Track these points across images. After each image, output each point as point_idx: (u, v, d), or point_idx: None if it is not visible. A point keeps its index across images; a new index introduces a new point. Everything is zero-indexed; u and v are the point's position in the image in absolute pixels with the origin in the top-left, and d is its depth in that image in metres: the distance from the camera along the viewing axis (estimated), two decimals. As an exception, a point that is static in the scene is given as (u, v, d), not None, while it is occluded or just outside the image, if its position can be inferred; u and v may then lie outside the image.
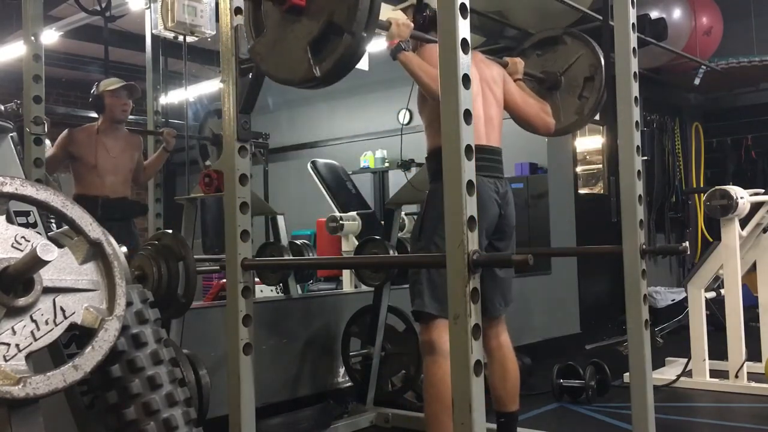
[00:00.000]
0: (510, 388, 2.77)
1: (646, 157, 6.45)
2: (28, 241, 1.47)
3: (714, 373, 4.27)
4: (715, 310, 4.42)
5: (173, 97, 5.73)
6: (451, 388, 2.37)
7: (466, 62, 1.71)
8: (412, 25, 2.46)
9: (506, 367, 2.77)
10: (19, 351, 1.40)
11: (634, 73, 2.52)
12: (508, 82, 2.83)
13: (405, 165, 6.61)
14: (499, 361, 2.76)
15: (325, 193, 6.27)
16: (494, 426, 2.72)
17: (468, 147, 1.69)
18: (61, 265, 1.50)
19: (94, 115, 4.36)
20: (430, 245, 2.51)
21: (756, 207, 4.36)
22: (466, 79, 1.71)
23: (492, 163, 2.64)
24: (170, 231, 2.61)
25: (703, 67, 6.61)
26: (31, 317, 1.43)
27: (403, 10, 2.76)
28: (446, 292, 2.39)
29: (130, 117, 4.36)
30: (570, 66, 3.12)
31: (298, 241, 4.19)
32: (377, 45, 5.70)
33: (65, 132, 4.15)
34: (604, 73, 3.06)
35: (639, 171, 2.51)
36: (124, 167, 4.16)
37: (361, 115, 8.24)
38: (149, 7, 4.33)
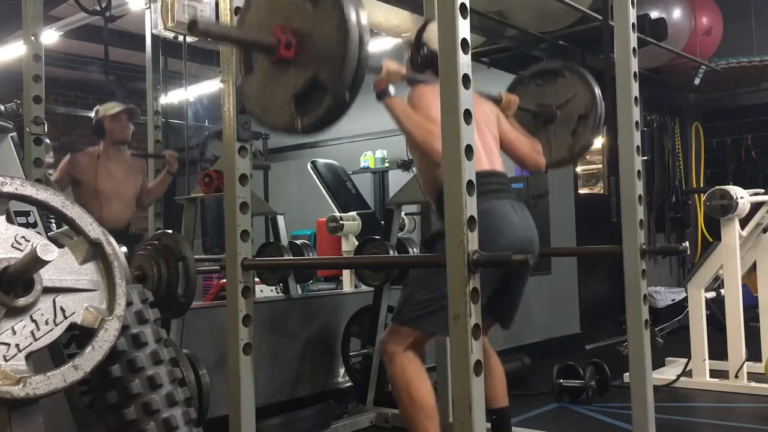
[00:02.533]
0: (497, 385, 2.79)
1: (646, 157, 6.44)
2: (28, 241, 1.47)
3: (714, 373, 4.27)
4: (715, 310, 4.42)
5: (173, 97, 5.73)
6: (421, 388, 2.41)
7: (466, 62, 1.71)
8: (403, 71, 2.45)
9: (490, 364, 2.79)
10: (19, 351, 1.40)
11: (634, 73, 2.52)
12: (502, 119, 2.83)
13: (405, 165, 6.61)
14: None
15: (325, 193, 6.28)
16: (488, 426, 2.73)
17: (468, 147, 1.70)
18: (61, 265, 1.50)
19: (94, 115, 4.36)
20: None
21: (756, 207, 4.36)
22: (466, 80, 1.71)
23: (503, 186, 2.59)
24: (170, 231, 2.61)
25: (703, 67, 6.61)
26: (31, 317, 1.43)
27: (403, 44, 2.80)
28: (427, 310, 2.40)
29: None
30: (567, 101, 3.12)
31: (298, 241, 4.19)
32: (378, 45, 5.71)
33: (67, 157, 4.15)
34: (600, 111, 3.06)
35: (639, 171, 2.51)
36: (127, 192, 4.14)
37: (361, 115, 8.19)
38: (149, 7, 4.32)
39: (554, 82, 3.15)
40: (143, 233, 4.33)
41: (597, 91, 3.06)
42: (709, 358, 4.27)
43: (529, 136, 2.90)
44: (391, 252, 3.43)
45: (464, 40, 1.71)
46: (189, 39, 4.07)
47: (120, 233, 4.11)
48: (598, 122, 3.08)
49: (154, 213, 4.28)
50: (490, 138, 2.67)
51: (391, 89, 2.39)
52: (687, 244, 2.93)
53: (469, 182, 1.69)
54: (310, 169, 6.38)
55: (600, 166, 6.94)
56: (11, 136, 2.26)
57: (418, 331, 2.46)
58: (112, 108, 4.12)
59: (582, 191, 6.61)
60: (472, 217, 1.69)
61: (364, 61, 1.77)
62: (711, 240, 5.99)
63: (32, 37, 3.15)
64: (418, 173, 2.72)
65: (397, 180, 7.40)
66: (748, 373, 4.13)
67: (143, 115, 4.35)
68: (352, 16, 1.72)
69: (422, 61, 2.67)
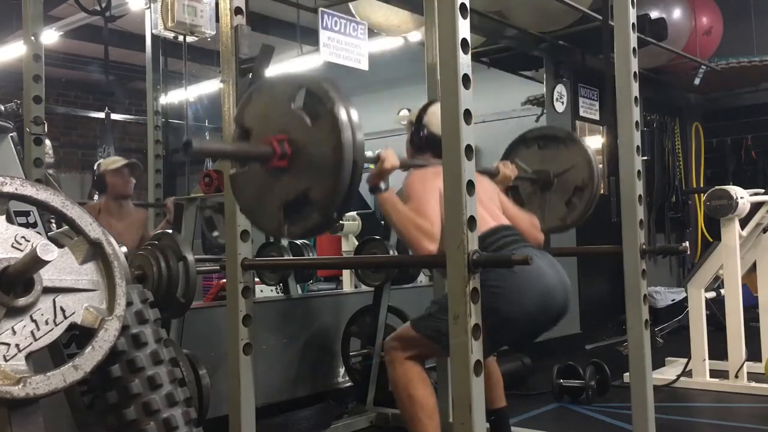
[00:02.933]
0: (494, 386, 2.81)
1: (646, 157, 6.44)
2: (28, 241, 1.47)
3: (714, 373, 4.27)
4: (715, 310, 4.42)
5: (173, 97, 5.73)
6: (421, 388, 2.41)
7: (466, 62, 1.71)
8: (397, 165, 2.44)
9: (487, 366, 2.79)
10: (19, 351, 1.40)
11: (634, 73, 2.52)
12: (501, 196, 2.83)
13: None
14: None
15: (325, 193, 6.26)
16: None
17: (468, 147, 1.70)
18: (61, 265, 1.50)
19: (93, 114, 4.36)
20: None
21: (756, 207, 4.36)
22: (466, 79, 1.71)
23: (516, 236, 2.56)
24: (170, 231, 2.61)
25: (703, 67, 6.61)
26: (31, 317, 1.43)
27: (404, 124, 2.82)
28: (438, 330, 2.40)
29: (130, 118, 4.35)
30: (565, 171, 3.15)
31: (298, 241, 4.19)
32: (378, 45, 5.71)
33: None
34: (596, 187, 3.10)
35: (639, 171, 2.51)
36: (127, 243, 4.12)
37: (361, 115, 8.21)
38: (149, 7, 4.33)
39: (555, 148, 3.19)
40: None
41: (595, 166, 3.11)
42: (709, 358, 4.27)
43: (527, 212, 2.90)
44: (391, 252, 3.43)
45: (464, 40, 1.71)
46: (189, 39, 4.07)
47: None
48: (594, 197, 3.13)
49: (154, 213, 4.28)
50: (494, 208, 2.66)
51: (383, 185, 2.40)
52: (687, 244, 2.94)
53: (469, 182, 1.69)
54: (310, 169, 6.37)
55: (600, 166, 6.93)
56: (11, 136, 2.26)
57: (427, 347, 2.47)
58: (114, 162, 4.12)
59: (582, 191, 6.60)
60: (472, 217, 1.69)
61: (356, 185, 1.79)
62: (711, 240, 5.98)
63: (32, 37, 3.16)
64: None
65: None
66: (748, 373, 4.13)
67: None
68: (349, 140, 1.72)
69: (422, 143, 2.72)
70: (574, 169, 3.12)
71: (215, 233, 3.80)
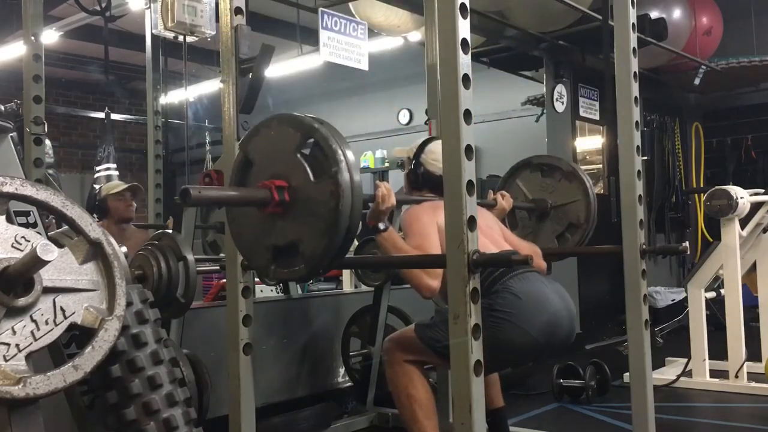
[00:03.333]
0: (491, 385, 2.81)
1: (646, 157, 6.44)
2: (28, 241, 1.47)
3: (714, 373, 4.27)
4: (715, 310, 4.42)
5: (173, 97, 5.73)
6: (420, 388, 2.41)
7: (466, 62, 1.71)
8: (394, 204, 2.45)
9: None
10: (19, 351, 1.40)
11: (634, 73, 2.52)
12: (501, 226, 2.84)
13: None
14: None
15: (325, 193, 6.26)
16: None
17: (468, 147, 1.70)
18: (61, 265, 1.50)
19: (93, 114, 4.36)
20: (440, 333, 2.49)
21: (756, 207, 4.36)
22: (466, 79, 1.71)
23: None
24: (170, 231, 2.61)
25: (703, 67, 6.61)
26: (31, 317, 1.43)
27: (402, 156, 2.87)
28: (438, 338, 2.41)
29: (130, 118, 4.35)
30: (563, 205, 3.17)
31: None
32: (378, 45, 5.71)
33: None
34: (590, 227, 3.13)
35: (639, 171, 2.51)
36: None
37: (361, 115, 8.24)
38: (149, 7, 4.33)
39: (558, 179, 3.21)
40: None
41: (593, 209, 3.13)
42: (709, 358, 4.27)
43: (527, 242, 2.90)
44: (391, 252, 3.43)
45: (464, 40, 1.71)
46: (189, 39, 4.06)
47: None
48: (586, 236, 3.16)
49: (154, 213, 4.28)
50: (495, 236, 2.66)
51: (382, 225, 2.41)
52: (687, 244, 2.94)
53: (469, 182, 1.69)
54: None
55: (600, 166, 6.93)
56: (11, 136, 2.26)
57: (426, 355, 2.48)
58: (116, 186, 4.12)
59: (582, 191, 6.59)
60: (472, 217, 1.69)
61: (347, 249, 1.79)
62: (711, 240, 5.98)
63: (32, 37, 3.15)
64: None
65: (397, 180, 7.40)
66: (748, 373, 4.13)
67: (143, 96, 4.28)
68: (346, 208, 1.70)
69: (419, 180, 2.75)
70: (573, 204, 3.16)
71: (222, 255, 3.80)
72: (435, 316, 2.52)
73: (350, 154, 1.73)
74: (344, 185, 1.69)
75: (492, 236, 2.61)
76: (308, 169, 1.76)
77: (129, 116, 8.75)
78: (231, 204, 1.98)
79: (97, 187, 4.14)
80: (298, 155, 1.77)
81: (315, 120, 1.78)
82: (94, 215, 4.14)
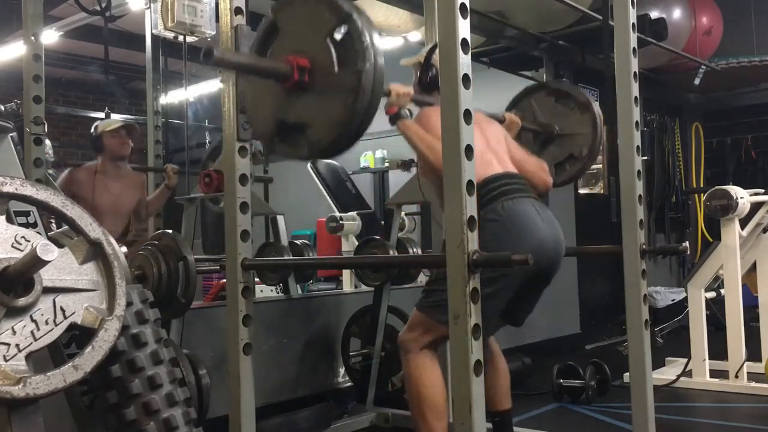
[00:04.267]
0: (502, 386, 2.80)
1: (646, 157, 6.44)
2: (28, 241, 1.47)
3: (714, 373, 4.27)
4: (715, 310, 4.42)
5: (173, 97, 5.73)
6: (433, 387, 2.40)
7: (466, 62, 1.71)
8: (412, 93, 2.45)
9: (496, 365, 2.79)
10: (19, 351, 1.40)
11: (634, 73, 2.52)
12: (509, 139, 2.83)
13: (405, 165, 6.61)
14: (489, 360, 2.77)
15: (325, 193, 6.27)
16: (489, 426, 2.73)
17: (468, 147, 1.70)
18: (61, 265, 1.50)
19: (94, 114, 4.37)
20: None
21: (756, 207, 4.36)
22: (466, 79, 1.71)
23: (521, 185, 2.57)
24: (170, 231, 2.61)
25: (703, 67, 6.61)
26: (31, 317, 1.43)
27: (411, 65, 2.81)
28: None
29: (130, 118, 4.35)
30: (569, 134, 3.13)
31: (298, 241, 4.19)
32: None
33: (66, 172, 4.15)
34: (590, 162, 3.12)
35: (639, 171, 2.51)
36: (121, 207, 4.11)
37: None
38: (149, 7, 4.33)
39: (572, 108, 3.16)
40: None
41: (599, 144, 3.09)
42: (709, 358, 4.27)
43: (536, 157, 2.90)
44: (391, 252, 3.43)
45: (464, 40, 1.71)
46: (189, 39, 4.06)
47: None
48: (583, 170, 3.15)
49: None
50: (502, 153, 2.67)
51: (404, 112, 2.40)
52: (687, 244, 2.94)
53: (469, 182, 1.69)
54: (310, 169, 6.38)
55: (600, 166, 6.93)
56: (11, 136, 2.26)
57: (434, 328, 2.45)
58: (112, 124, 4.12)
59: (582, 191, 6.60)
60: (472, 217, 1.69)
61: (351, 144, 1.80)
62: (711, 240, 5.98)
63: (32, 37, 3.15)
64: (435, 198, 2.72)
65: (397, 180, 7.40)
66: (748, 373, 4.13)
67: (143, 134, 4.33)
68: (362, 108, 1.69)
69: (430, 83, 2.68)
70: (579, 137, 3.11)
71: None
72: (426, 286, 2.55)
73: (380, 52, 1.70)
74: (366, 83, 1.67)
75: (499, 154, 2.61)
76: (334, 57, 1.73)
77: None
78: (250, 72, 1.98)
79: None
80: (328, 40, 1.74)
81: (354, 8, 1.73)
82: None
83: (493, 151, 2.59)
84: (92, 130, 4.17)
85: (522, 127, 3.04)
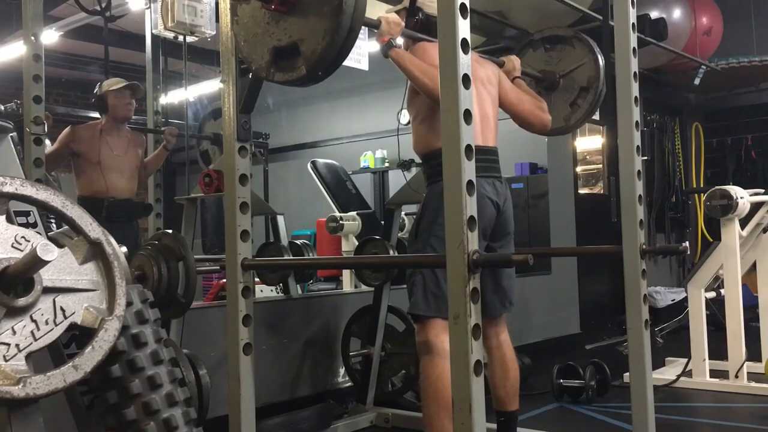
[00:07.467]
0: (510, 388, 2.77)
1: (646, 157, 6.45)
2: (28, 241, 1.47)
3: (714, 373, 4.27)
4: (715, 310, 4.42)
5: (173, 97, 5.73)
6: (448, 387, 2.39)
7: (466, 62, 1.71)
8: (403, 23, 2.44)
9: (506, 366, 2.77)
10: (19, 351, 1.40)
11: (634, 73, 2.52)
12: (504, 80, 2.82)
13: (405, 165, 6.61)
14: (498, 360, 2.76)
15: (325, 193, 6.27)
16: (494, 426, 2.72)
17: (468, 147, 1.70)
18: (61, 265, 1.50)
19: (94, 114, 4.36)
20: (426, 247, 2.50)
21: (756, 207, 4.36)
22: (466, 79, 1.71)
23: (488, 163, 2.60)
24: (170, 231, 2.61)
25: (703, 67, 6.61)
26: (31, 317, 1.43)
27: (396, 12, 2.73)
28: (437, 293, 2.42)
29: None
30: (571, 71, 3.12)
31: (298, 241, 4.19)
32: (377, 45, 5.70)
33: (68, 129, 4.16)
34: (601, 86, 3.07)
35: (639, 171, 2.51)
36: (128, 165, 4.18)
37: (361, 115, 8.24)
38: (149, 7, 4.32)
39: (562, 49, 3.16)
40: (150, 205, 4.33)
41: (602, 66, 3.06)
42: (709, 358, 4.27)
43: (534, 95, 2.88)
44: (391, 252, 3.43)
45: (464, 41, 1.71)
46: (189, 39, 4.06)
47: (131, 204, 4.15)
48: (598, 98, 3.10)
49: (154, 213, 4.28)
50: (488, 101, 2.66)
51: (397, 41, 2.38)
52: (687, 244, 2.93)
53: (469, 182, 1.69)
54: (310, 169, 6.38)
55: (600, 166, 6.94)
56: (11, 136, 2.26)
57: (433, 321, 2.45)
58: (116, 83, 4.13)
59: (582, 191, 6.61)
60: (472, 217, 1.69)
61: (348, 50, 1.81)
62: (711, 240, 5.99)
63: (32, 37, 3.15)
64: (413, 132, 2.71)
65: (397, 180, 7.40)
66: (748, 373, 4.13)
67: (143, 96, 4.35)
68: (350, 7, 1.73)
69: (418, 27, 2.63)
70: (581, 68, 3.10)
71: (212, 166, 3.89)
72: (409, 278, 2.58)
73: None
74: None
75: (483, 108, 2.62)
76: None
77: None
78: None
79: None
80: None
81: None
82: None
83: (481, 107, 2.58)
84: (96, 89, 4.19)
85: (523, 73, 3.02)
